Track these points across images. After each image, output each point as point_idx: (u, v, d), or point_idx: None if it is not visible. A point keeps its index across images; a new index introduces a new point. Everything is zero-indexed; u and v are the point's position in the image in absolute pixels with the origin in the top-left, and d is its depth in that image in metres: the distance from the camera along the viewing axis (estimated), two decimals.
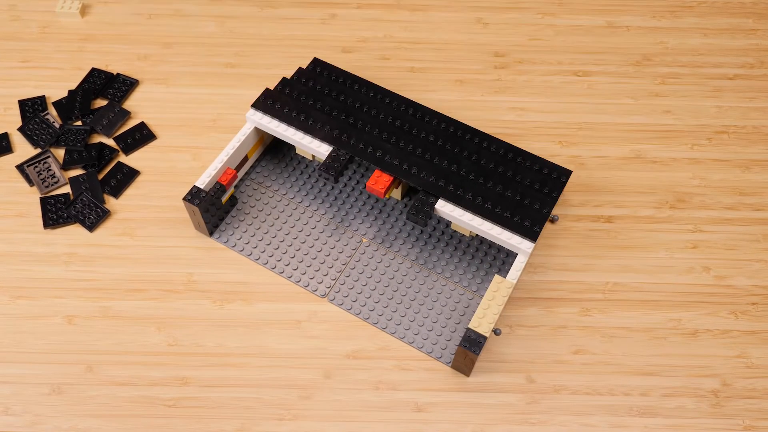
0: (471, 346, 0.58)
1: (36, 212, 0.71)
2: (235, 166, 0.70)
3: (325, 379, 0.63)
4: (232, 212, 0.70)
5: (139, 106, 0.78)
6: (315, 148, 0.67)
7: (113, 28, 0.84)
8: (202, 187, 0.65)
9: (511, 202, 0.65)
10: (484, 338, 0.58)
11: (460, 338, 0.64)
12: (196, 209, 0.65)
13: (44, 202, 0.70)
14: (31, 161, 0.73)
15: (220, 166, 0.67)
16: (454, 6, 0.88)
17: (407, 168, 0.66)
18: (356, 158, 0.66)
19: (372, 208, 0.71)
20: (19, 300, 0.66)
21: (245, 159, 0.71)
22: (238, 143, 0.68)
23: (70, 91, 0.77)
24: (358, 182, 0.73)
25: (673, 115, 0.79)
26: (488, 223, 0.64)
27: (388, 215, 0.71)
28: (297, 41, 0.83)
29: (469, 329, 0.59)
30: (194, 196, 0.65)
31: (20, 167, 0.73)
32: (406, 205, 0.72)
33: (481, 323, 0.59)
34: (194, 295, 0.67)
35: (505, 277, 0.67)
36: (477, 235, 0.69)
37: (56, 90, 0.78)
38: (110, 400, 0.62)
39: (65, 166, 0.73)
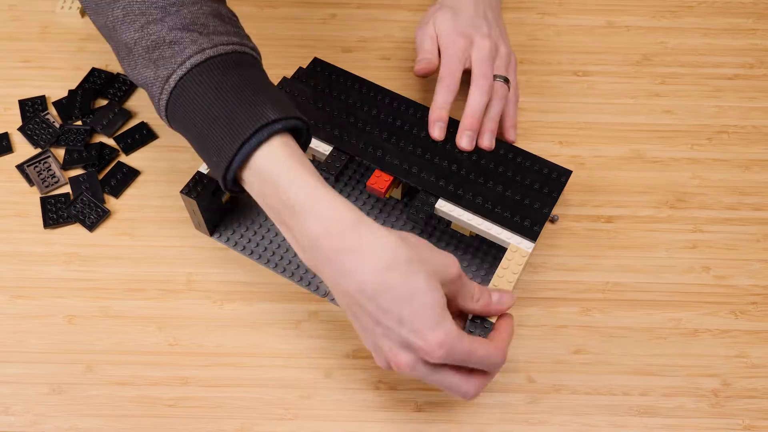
0: (477, 331, 0.58)
1: (36, 212, 0.71)
2: None
3: (325, 379, 0.63)
4: (232, 212, 0.70)
5: (140, 106, 0.78)
6: (315, 147, 0.67)
7: None
8: (205, 172, 0.65)
9: (511, 202, 0.65)
10: (491, 324, 0.58)
11: None
12: (196, 207, 0.65)
13: (44, 202, 0.70)
14: (31, 161, 0.73)
15: None
16: None
17: (407, 168, 0.66)
18: (356, 158, 0.66)
19: (372, 208, 0.71)
20: (19, 300, 0.66)
21: None
22: None
23: (70, 91, 0.77)
24: (358, 182, 0.73)
25: (673, 115, 0.79)
26: (488, 223, 0.64)
27: (388, 215, 0.71)
28: (297, 41, 0.83)
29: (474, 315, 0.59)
30: (191, 189, 0.64)
31: (20, 167, 0.73)
32: (406, 205, 0.72)
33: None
34: (194, 295, 0.67)
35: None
36: (477, 235, 0.69)
37: (56, 90, 0.78)
38: (110, 400, 0.62)
39: (65, 166, 0.73)
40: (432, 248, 0.51)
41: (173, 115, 0.56)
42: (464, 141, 0.67)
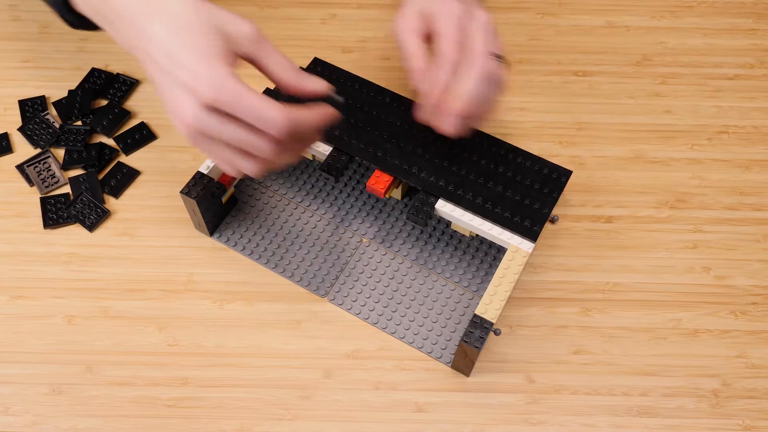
0: (477, 331, 0.58)
1: (36, 212, 0.71)
2: None
3: (325, 379, 0.63)
4: (232, 212, 0.70)
5: (140, 106, 0.78)
6: (315, 147, 0.67)
7: None
8: (205, 172, 0.65)
9: (511, 202, 0.65)
10: (491, 324, 0.58)
11: (460, 338, 0.64)
12: (196, 207, 0.65)
13: (44, 202, 0.70)
14: (31, 161, 0.73)
15: None
16: None
17: (407, 168, 0.66)
18: (356, 158, 0.66)
19: (372, 208, 0.71)
20: (19, 300, 0.66)
21: None
22: None
23: (70, 91, 0.77)
24: (358, 182, 0.73)
25: (673, 115, 0.79)
26: (488, 223, 0.64)
27: (388, 215, 0.71)
28: (297, 41, 0.83)
29: (475, 315, 0.59)
30: (191, 189, 0.64)
31: (20, 167, 0.73)
32: (406, 205, 0.72)
33: (488, 309, 0.59)
34: (194, 295, 0.67)
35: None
36: (477, 235, 0.69)
37: (56, 90, 0.78)
38: (110, 400, 0.62)
39: (65, 166, 0.73)
40: (225, 10, 0.54)
41: None
42: (451, 127, 0.62)
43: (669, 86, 0.81)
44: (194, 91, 0.50)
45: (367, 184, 0.66)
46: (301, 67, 0.73)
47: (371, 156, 0.66)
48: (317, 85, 0.57)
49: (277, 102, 0.52)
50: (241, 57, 0.54)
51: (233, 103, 0.50)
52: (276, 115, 0.51)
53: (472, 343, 0.58)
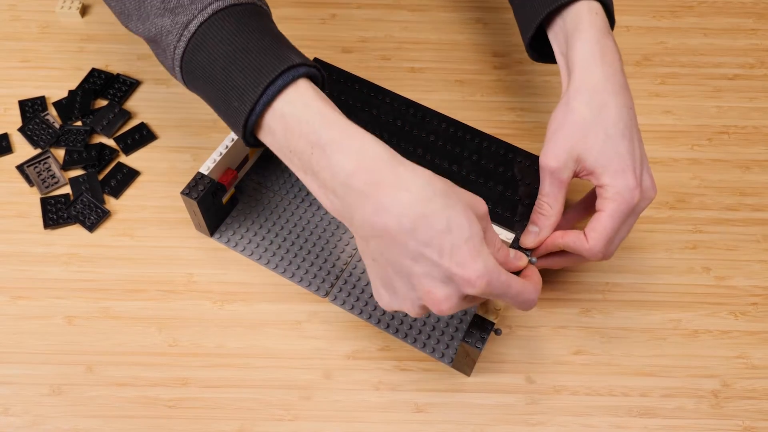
0: (478, 331, 0.58)
1: (36, 212, 0.71)
2: (235, 166, 0.70)
3: (325, 379, 0.63)
4: (233, 212, 0.70)
5: (140, 107, 0.78)
6: None
7: (113, 28, 0.84)
8: (205, 173, 0.65)
9: (511, 202, 0.65)
10: (492, 323, 0.58)
11: (461, 338, 0.64)
12: (196, 208, 0.65)
13: (44, 202, 0.70)
14: (31, 161, 0.73)
15: (224, 151, 0.66)
16: (454, 6, 0.88)
17: None
18: None
19: None
20: (19, 300, 0.66)
21: (246, 159, 0.71)
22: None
23: (70, 91, 0.77)
24: None
25: (673, 115, 0.79)
26: None
27: None
28: (297, 41, 0.83)
29: (476, 315, 0.59)
30: (192, 190, 0.64)
31: (20, 167, 0.73)
32: None
33: (489, 309, 0.59)
34: (194, 296, 0.67)
35: None
36: None
37: (56, 90, 0.78)
38: (110, 401, 0.62)
39: (65, 166, 0.73)
40: (459, 187, 0.51)
41: (189, 65, 0.55)
42: (529, 240, 0.61)
43: (669, 86, 0.81)
44: (464, 285, 0.48)
45: None
46: None
47: None
48: (523, 262, 0.56)
49: (528, 282, 0.52)
50: None
51: (500, 294, 0.50)
52: (533, 298, 0.52)
53: (473, 343, 0.58)
